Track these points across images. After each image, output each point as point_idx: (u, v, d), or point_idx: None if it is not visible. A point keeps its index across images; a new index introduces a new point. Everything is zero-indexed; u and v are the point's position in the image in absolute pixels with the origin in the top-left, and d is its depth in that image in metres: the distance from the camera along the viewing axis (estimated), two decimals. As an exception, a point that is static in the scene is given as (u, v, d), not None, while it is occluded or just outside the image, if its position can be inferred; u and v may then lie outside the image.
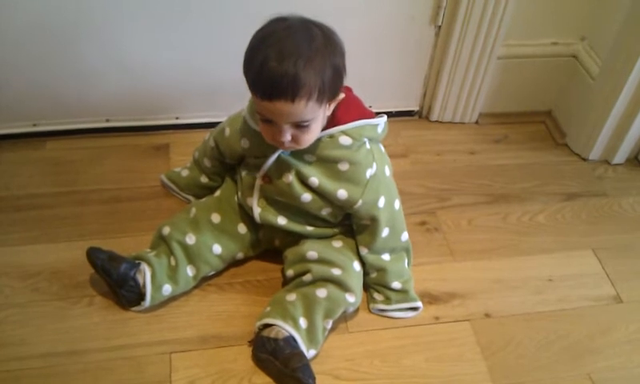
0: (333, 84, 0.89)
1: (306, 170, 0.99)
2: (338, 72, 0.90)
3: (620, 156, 1.43)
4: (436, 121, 1.50)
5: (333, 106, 0.94)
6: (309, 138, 0.93)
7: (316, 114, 0.90)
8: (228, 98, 1.29)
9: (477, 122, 1.52)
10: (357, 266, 1.06)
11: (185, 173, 1.24)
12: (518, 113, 1.53)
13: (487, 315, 1.11)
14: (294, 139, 0.92)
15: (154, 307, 1.04)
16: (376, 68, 1.38)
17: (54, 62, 1.24)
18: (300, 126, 0.90)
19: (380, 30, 1.33)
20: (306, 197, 1.02)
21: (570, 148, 1.47)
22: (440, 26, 1.34)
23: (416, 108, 1.50)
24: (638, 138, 1.41)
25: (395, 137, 1.43)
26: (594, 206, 1.33)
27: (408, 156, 1.41)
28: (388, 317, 1.08)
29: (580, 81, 1.42)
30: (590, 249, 1.24)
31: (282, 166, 1.00)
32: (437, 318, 1.09)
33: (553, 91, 1.49)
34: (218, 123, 1.16)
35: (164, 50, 1.27)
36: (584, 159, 1.45)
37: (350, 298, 1.03)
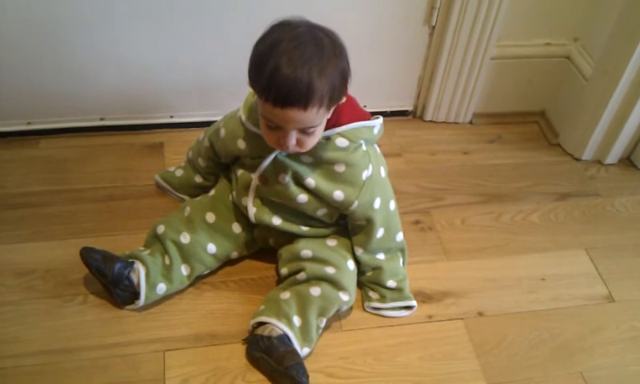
0: (341, 89, 0.89)
1: (303, 171, 0.99)
2: (345, 77, 0.90)
3: (612, 156, 1.44)
4: (430, 121, 1.51)
5: (333, 108, 0.94)
6: (313, 141, 0.93)
7: (323, 119, 0.91)
8: (223, 96, 1.30)
9: (470, 122, 1.52)
10: (351, 264, 1.07)
11: (179, 172, 1.23)
12: (511, 113, 1.53)
13: (480, 314, 1.11)
14: (299, 143, 0.92)
15: (148, 305, 1.04)
16: (370, 68, 1.38)
17: (48, 60, 1.24)
18: (306, 131, 0.90)
19: (374, 30, 1.33)
20: (302, 198, 1.02)
21: (563, 148, 1.48)
22: (434, 27, 1.35)
23: (410, 108, 1.51)
24: (631, 139, 1.42)
25: (389, 136, 1.44)
26: (586, 206, 1.34)
27: (402, 155, 1.41)
28: (382, 316, 1.09)
29: (573, 81, 1.43)
30: (583, 248, 1.24)
31: (278, 167, 1.00)
32: (430, 317, 1.10)
33: (546, 92, 1.50)
34: (212, 122, 1.16)
35: (159, 49, 1.27)
36: (577, 159, 1.46)
37: (344, 297, 1.03)
